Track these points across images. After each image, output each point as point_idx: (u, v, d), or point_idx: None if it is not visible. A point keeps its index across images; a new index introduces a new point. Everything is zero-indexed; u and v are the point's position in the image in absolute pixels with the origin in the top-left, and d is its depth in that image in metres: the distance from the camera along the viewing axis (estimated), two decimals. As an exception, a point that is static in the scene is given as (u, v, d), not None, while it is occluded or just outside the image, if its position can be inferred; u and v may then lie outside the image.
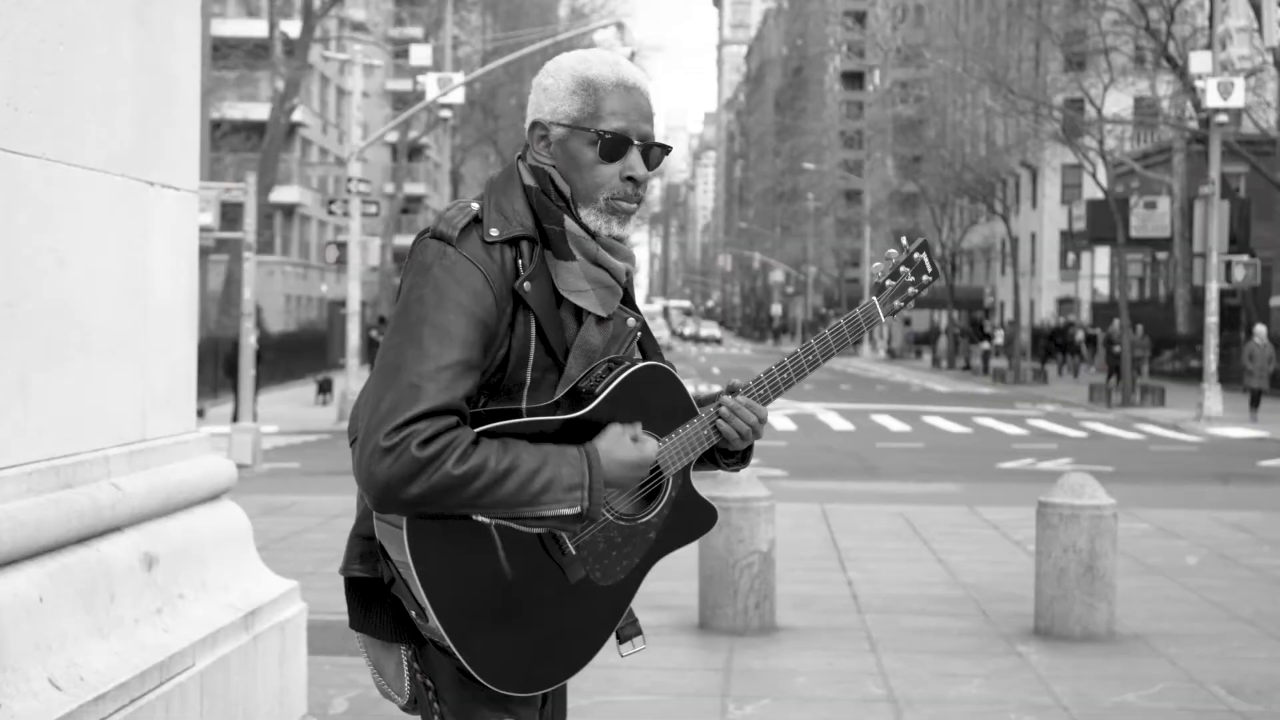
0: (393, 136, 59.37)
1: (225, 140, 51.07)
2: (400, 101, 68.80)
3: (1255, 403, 31.62)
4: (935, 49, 57.75)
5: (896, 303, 3.21)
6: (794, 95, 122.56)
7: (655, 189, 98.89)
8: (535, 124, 2.97)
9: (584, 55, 2.99)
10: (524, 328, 2.86)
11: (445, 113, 36.48)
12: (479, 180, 79.65)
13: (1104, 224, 46.34)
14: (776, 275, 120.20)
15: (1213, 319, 32.21)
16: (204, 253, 40.81)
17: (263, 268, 51.45)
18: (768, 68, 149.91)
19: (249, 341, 24.53)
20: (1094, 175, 42.38)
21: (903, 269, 3.22)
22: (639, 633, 3.11)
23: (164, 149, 5.26)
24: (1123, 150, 47.09)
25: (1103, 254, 58.49)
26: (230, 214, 26.96)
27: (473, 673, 2.84)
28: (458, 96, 34.93)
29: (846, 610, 9.68)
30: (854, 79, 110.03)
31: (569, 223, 2.92)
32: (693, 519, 3.08)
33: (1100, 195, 45.77)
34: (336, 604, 9.54)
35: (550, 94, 2.95)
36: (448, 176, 40.32)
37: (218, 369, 34.86)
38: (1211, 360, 31.93)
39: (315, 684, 6.84)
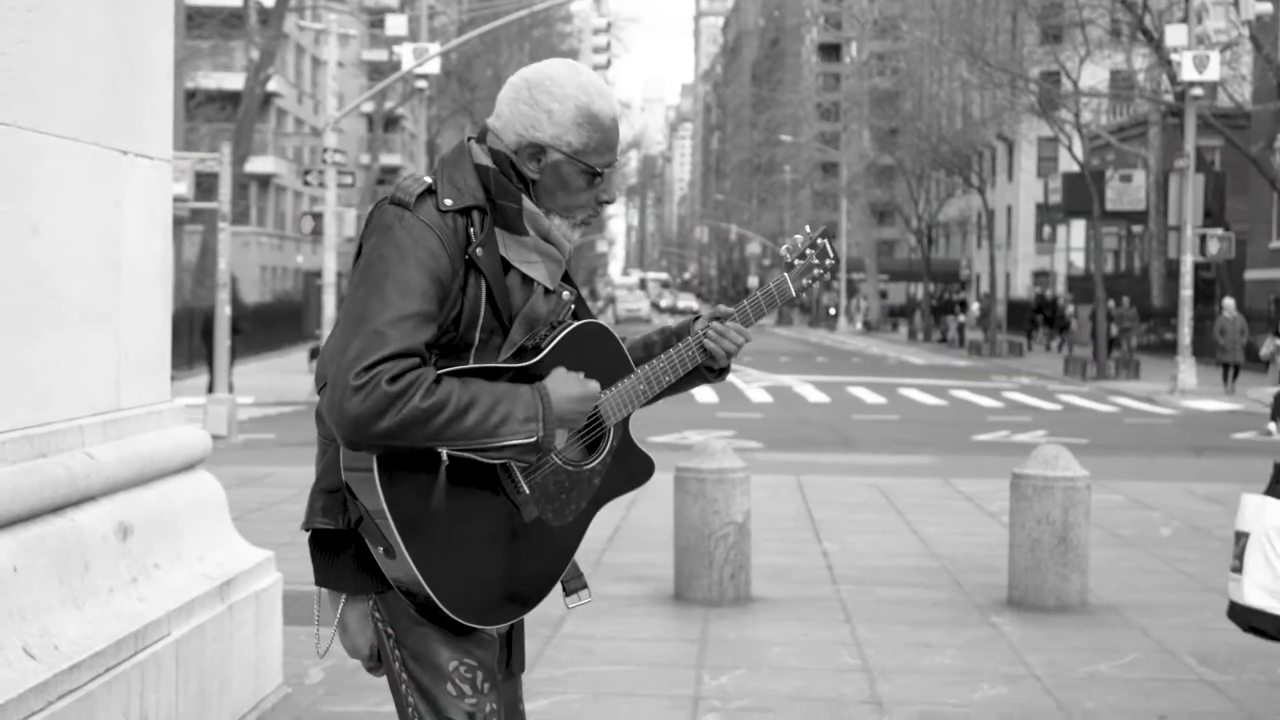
0: (368, 107, 59.14)
1: (200, 110, 50.78)
2: (376, 72, 68.47)
3: (1228, 376, 31.75)
4: (912, 21, 57.68)
5: (804, 280, 3.43)
6: (771, 67, 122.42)
7: (632, 161, 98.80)
8: (530, 144, 3.12)
9: (583, 84, 3.14)
10: (474, 290, 3.07)
11: (421, 83, 36.33)
12: (455, 151, 79.54)
13: (1079, 197, 46.45)
14: (753, 247, 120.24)
15: (1187, 292, 32.32)
16: (179, 223, 40.63)
17: (238, 238, 51.27)
18: (744, 39, 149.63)
19: (224, 312, 24.44)
20: (1070, 148, 42.46)
21: (808, 251, 3.44)
22: (584, 586, 3.36)
23: (137, 118, 5.23)
24: (1098, 123, 47.19)
25: (1078, 227, 58.59)
26: (205, 184, 26.87)
27: (439, 603, 3.01)
28: (434, 67, 34.79)
29: (821, 581, 9.71)
30: (831, 51, 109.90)
31: (526, 201, 3.14)
32: (633, 469, 3.33)
33: (1076, 168, 45.86)
34: (311, 574, 9.54)
35: (555, 120, 3.11)
36: (424, 147, 40.18)
37: (193, 340, 34.74)
38: (1186, 334, 32.05)
39: (291, 654, 6.84)
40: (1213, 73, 31.81)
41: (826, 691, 6.90)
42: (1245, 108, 40.64)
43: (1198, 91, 32.42)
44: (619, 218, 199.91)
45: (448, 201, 3.07)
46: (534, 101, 3.12)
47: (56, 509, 4.52)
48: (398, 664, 3.15)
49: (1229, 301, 33.13)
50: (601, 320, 3.29)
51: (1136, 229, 54.55)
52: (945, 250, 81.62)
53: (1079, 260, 61.60)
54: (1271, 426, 22.53)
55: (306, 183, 33.86)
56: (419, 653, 3.12)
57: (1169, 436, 22.64)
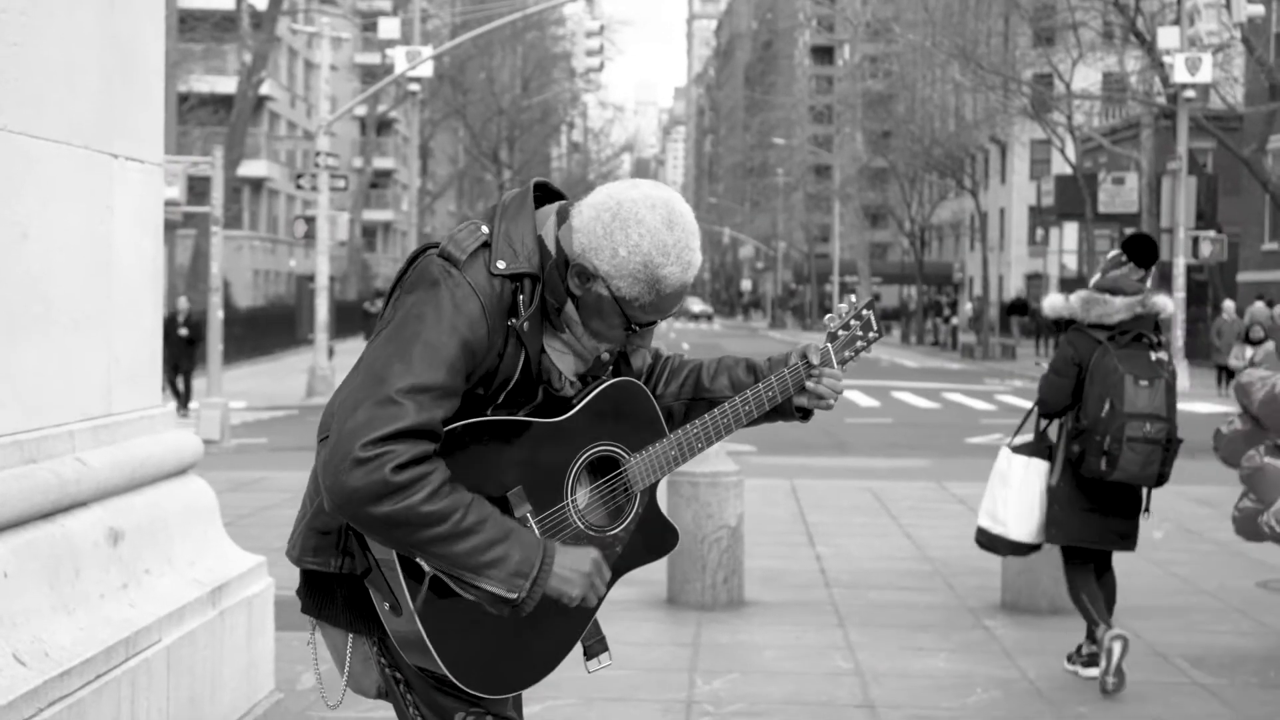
0: (361, 110, 59.09)
1: (192, 113, 50.77)
2: (369, 75, 68.45)
3: (1223, 379, 31.76)
4: (904, 24, 57.69)
5: (847, 353, 3.32)
6: (764, 70, 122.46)
7: (625, 163, 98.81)
8: (584, 266, 2.92)
9: (663, 243, 2.90)
10: (513, 357, 2.92)
11: (414, 86, 36.36)
12: (448, 155, 79.46)
13: (1072, 199, 46.48)
14: (746, 250, 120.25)
15: (1180, 295, 32.33)
16: (171, 227, 40.61)
17: (230, 242, 51.23)
18: (737, 42, 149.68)
19: (217, 316, 24.42)
20: (1062, 151, 42.52)
21: (853, 322, 3.33)
22: (605, 649, 3.21)
23: (128, 121, 5.22)
24: (1091, 126, 47.24)
25: (1071, 229, 58.62)
26: (197, 188, 26.83)
27: (445, 672, 2.88)
28: (426, 70, 34.78)
29: (814, 585, 9.70)
30: (824, 53, 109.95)
31: (569, 306, 2.96)
32: (657, 538, 3.21)
33: (1069, 171, 45.92)
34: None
35: (616, 263, 2.89)
36: (416, 150, 40.18)
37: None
38: (1178, 336, 32.08)
39: (283, 660, 6.82)
40: (1205, 75, 31.85)
41: (819, 695, 6.89)
42: (1237, 110, 40.71)
43: (1190, 94, 32.47)
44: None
45: (500, 264, 2.89)
46: (609, 232, 2.90)
47: (47, 515, 4.51)
48: (410, 707, 3.07)
49: (1229, 304, 33.15)
50: (636, 380, 3.15)
51: (1129, 231, 54.55)
52: (938, 253, 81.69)
53: (1072, 263, 61.62)
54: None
55: (299, 186, 33.81)
56: (427, 700, 3.04)
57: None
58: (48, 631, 4.33)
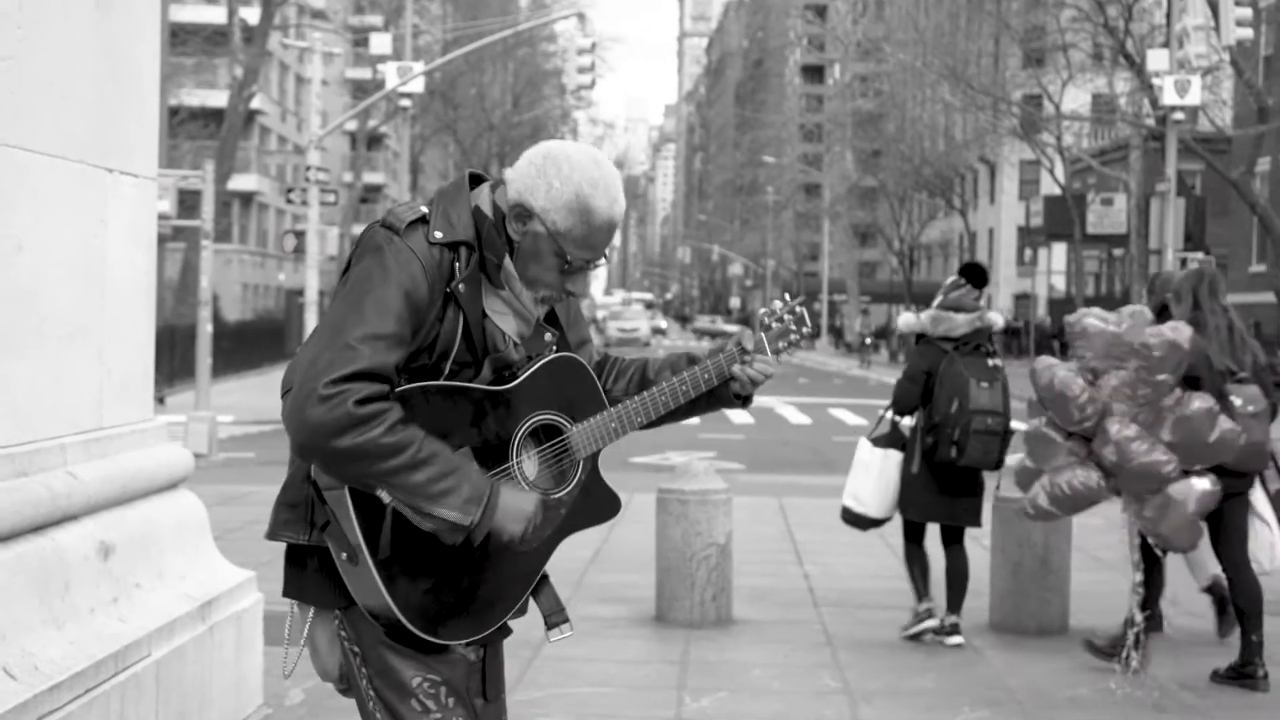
0: (352, 125, 59.09)
1: (183, 127, 50.70)
2: (360, 90, 68.45)
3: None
4: (895, 43, 57.91)
5: (780, 343, 3.47)
6: (754, 88, 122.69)
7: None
8: (521, 205, 3.17)
9: (593, 177, 3.16)
10: (452, 324, 3.13)
11: (405, 102, 36.40)
12: (439, 170, 79.42)
13: (1061, 220, 46.64)
14: (735, 268, 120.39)
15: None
16: (161, 240, 40.50)
17: (220, 256, 51.17)
18: (728, 60, 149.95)
19: (206, 330, 24.39)
20: (1051, 171, 42.66)
21: (786, 316, 3.49)
22: (566, 619, 3.38)
23: (123, 135, 5.23)
24: (1080, 147, 47.37)
25: (1059, 250, 58.76)
26: (187, 202, 26.83)
27: (396, 613, 3.04)
28: (417, 85, 34.83)
29: (803, 603, 9.71)
30: (814, 72, 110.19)
31: (506, 261, 3.20)
32: (599, 504, 3.36)
33: (1058, 191, 46.06)
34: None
35: (551, 195, 3.15)
36: (407, 166, 40.20)
37: (174, 358, 34.64)
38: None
39: (272, 674, 6.80)
40: (1194, 97, 31.94)
41: (807, 714, 6.89)
42: (1226, 132, 40.79)
43: (1179, 116, 32.55)
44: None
45: (438, 234, 3.13)
46: (542, 170, 3.17)
47: (37, 528, 4.50)
48: (364, 681, 3.20)
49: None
50: (578, 357, 3.34)
51: (1117, 252, 54.74)
52: (927, 272, 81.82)
53: (1060, 283, 61.76)
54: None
55: (289, 200, 33.83)
56: (384, 669, 3.17)
57: (1149, 460, 22.67)
58: (37, 645, 4.32)
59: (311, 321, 31.73)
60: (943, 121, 60.20)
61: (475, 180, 3.31)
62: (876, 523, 8.76)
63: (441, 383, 3.10)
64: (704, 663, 7.88)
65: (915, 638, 8.45)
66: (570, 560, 11.14)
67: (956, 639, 8.33)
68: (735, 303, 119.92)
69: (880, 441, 8.67)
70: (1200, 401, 7.14)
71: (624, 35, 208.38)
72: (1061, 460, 7.37)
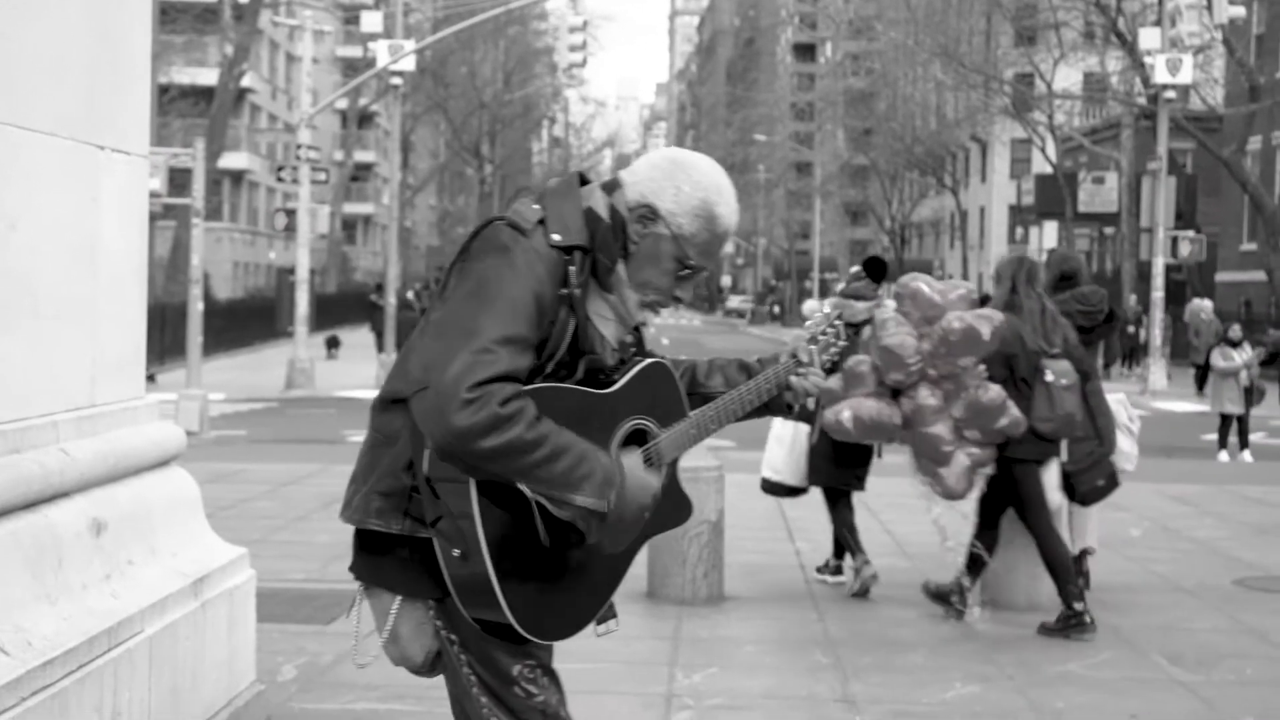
0: (343, 103, 59.02)
1: (173, 105, 50.59)
2: (350, 68, 68.34)
3: (1203, 378, 31.82)
4: (887, 21, 57.82)
5: (824, 358, 3.57)
6: (746, 67, 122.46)
7: (606, 159, 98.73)
8: (648, 206, 3.22)
9: (720, 186, 3.25)
10: (563, 326, 3.14)
11: (396, 80, 36.27)
12: (429, 148, 79.33)
13: (1052, 198, 46.63)
14: (726, 247, 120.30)
15: (1158, 294, 32.44)
16: (152, 218, 40.36)
17: (210, 234, 51.12)
18: (719, 39, 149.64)
19: (197, 308, 24.37)
20: (1043, 150, 42.64)
21: (829, 329, 3.60)
22: (614, 615, 3.46)
23: (115, 113, 5.22)
24: (1071, 125, 47.37)
25: (1051, 228, 58.74)
26: (178, 180, 26.73)
27: (508, 616, 3.08)
28: (409, 64, 34.73)
29: (794, 580, 9.74)
30: (806, 51, 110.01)
31: (620, 266, 3.23)
32: (675, 508, 3.45)
33: (1049, 170, 46.05)
34: (285, 571, 9.54)
35: (679, 199, 3.21)
36: (398, 144, 40.08)
37: (164, 335, 34.61)
38: (1157, 335, 32.19)
39: (264, 651, 6.82)
40: (1185, 76, 31.96)
41: (799, 690, 6.92)
42: (1217, 111, 40.84)
43: (1170, 94, 32.57)
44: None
45: (556, 237, 3.14)
46: (670, 174, 3.22)
47: (30, 505, 4.51)
48: (465, 669, 3.26)
49: (1207, 304, 33.23)
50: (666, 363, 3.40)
51: (1108, 231, 54.72)
52: (918, 251, 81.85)
53: (1051, 261, 61.76)
54: (1223, 455, 20.26)
55: (280, 179, 33.77)
56: (485, 658, 3.23)
57: (1140, 437, 22.69)
58: (30, 621, 4.33)
59: (303, 300, 31.71)
60: (934, 100, 60.14)
61: (581, 181, 3.31)
62: (794, 490, 9.68)
63: (556, 384, 3.13)
64: (696, 639, 7.90)
65: (862, 594, 9.15)
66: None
67: (839, 578, 9.55)
68: (726, 281, 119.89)
69: (798, 416, 9.13)
70: (995, 393, 8.04)
71: (615, 13, 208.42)
72: (870, 389, 8.23)
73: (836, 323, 3.59)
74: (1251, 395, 19.98)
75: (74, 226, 4.92)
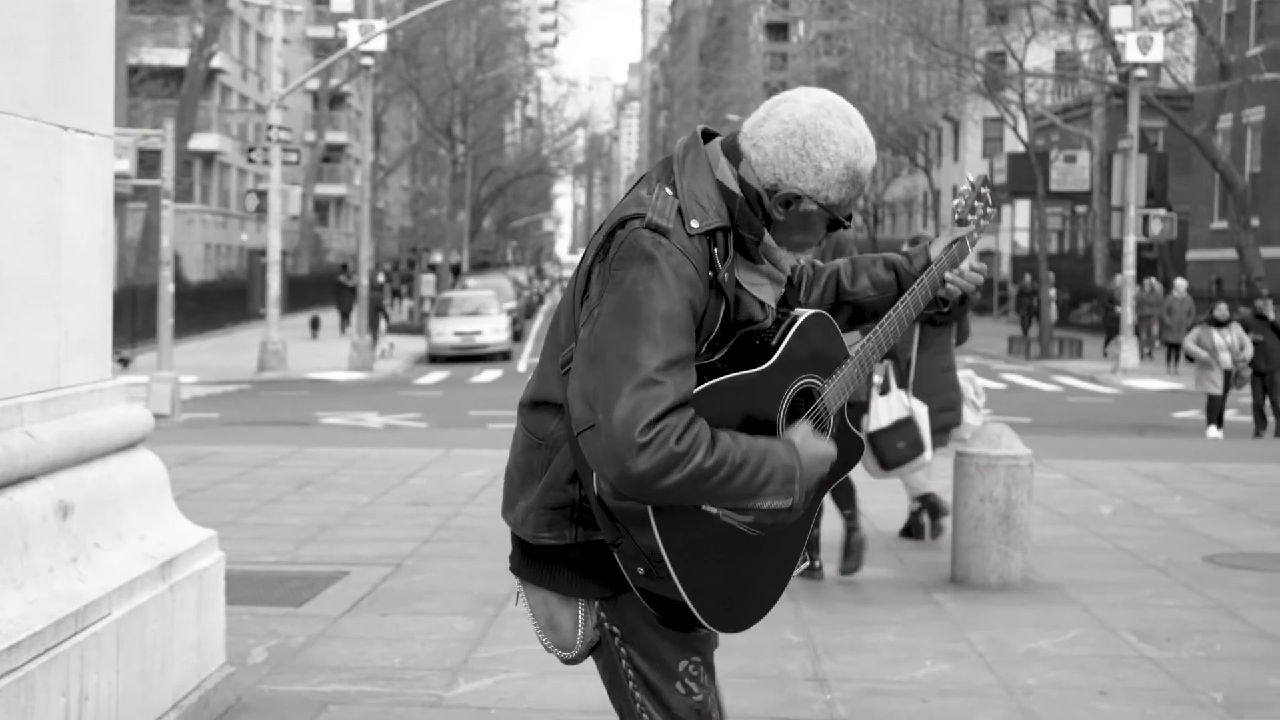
0: (314, 84, 58.74)
1: (143, 86, 50.35)
2: (321, 48, 68.04)
3: (1172, 356, 31.96)
4: (859, 1, 57.79)
5: (976, 235, 3.48)
6: (718, 46, 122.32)
7: (579, 139, 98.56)
8: (789, 193, 3.06)
9: (856, 140, 3.07)
10: (714, 310, 3.04)
11: (367, 60, 36.15)
12: (401, 129, 78.99)
13: (1024, 177, 46.71)
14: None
15: (1130, 272, 32.56)
16: (122, 200, 40.29)
17: (181, 216, 50.90)
18: (692, 18, 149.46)
19: (167, 290, 24.27)
20: (1015, 129, 42.67)
21: (976, 204, 3.49)
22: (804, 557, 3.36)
23: (78, 92, 5.18)
24: (1043, 104, 47.41)
25: (1023, 207, 58.96)
26: (148, 161, 26.60)
27: (704, 623, 3.05)
28: (380, 44, 34.61)
29: (766, 559, 9.74)
30: (778, 30, 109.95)
31: (766, 236, 3.10)
32: (848, 450, 3.31)
33: (1021, 149, 46.10)
34: (255, 553, 9.51)
35: (822, 177, 3.05)
36: (369, 125, 39.93)
37: (135, 318, 34.48)
38: (1128, 313, 32.30)
39: (234, 633, 6.82)
40: (1156, 54, 32.03)
41: (770, 669, 6.93)
42: (1188, 89, 40.94)
43: (1141, 73, 32.64)
44: (565, 196, 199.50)
45: (694, 224, 3.00)
46: (805, 153, 3.04)
47: (-5, 488, 4.48)
48: (624, 661, 3.21)
49: (1180, 282, 33.36)
50: (823, 310, 3.29)
51: (1080, 209, 54.95)
52: (891, 230, 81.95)
53: (1024, 240, 61.99)
54: (1211, 431, 20.26)
55: (251, 160, 33.64)
56: (649, 652, 3.18)
57: (1111, 415, 22.83)
58: (-4, 605, 4.30)
59: (275, 281, 31.60)
60: (906, 79, 60.17)
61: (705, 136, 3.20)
62: None
63: (709, 383, 3.00)
64: (667, 619, 7.89)
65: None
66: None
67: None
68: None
69: None
70: None
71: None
72: None
73: (984, 190, 3.43)
74: (1231, 378, 19.83)
75: (36, 207, 4.88)
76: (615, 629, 3.19)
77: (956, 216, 3.42)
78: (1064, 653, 7.29)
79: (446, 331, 37.56)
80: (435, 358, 37.35)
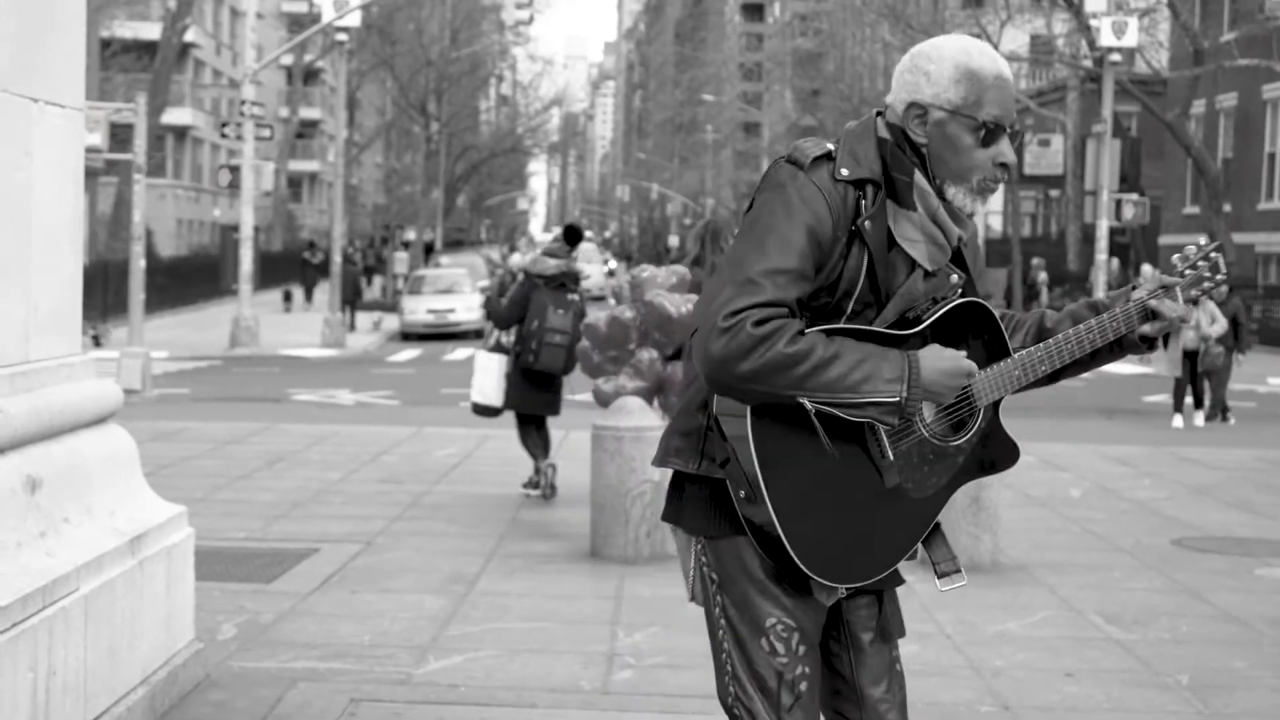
0: (288, 59, 58.49)
1: (115, 60, 50.03)
2: (296, 24, 67.66)
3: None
4: (835, -18, 57.81)
5: (1193, 291, 3.34)
6: (694, 26, 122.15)
7: (554, 117, 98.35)
8: (914, 104, 3.16)
9: (963, 45, 3.17)
10: (856, 261, 3.09)
11: (341, 36, 36.01)
12: (375, 106, 78.75)
13: (998, 160, 46.61)
14: (674, 206, 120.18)
15: (1102, 256, 32.66)
16: (93, 175, 40.05)
17: (153, 190, 50.60)
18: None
19: (139, 265, 24.15)
20: (989, 112, 42.64)
21: (1200, 263, 3.35)
22: (959, 570, 3.34)
23: (47, 65, 5.15)
24: (1018, 88, 47.45)
25: (997, 190, 59.02)
26: (120, 135, 26.50)
27: (790, 549, 3.03)
28: (354, 20, 34.48)
29: (737, 539, 9.75)
30: (754, 11, 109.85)
31: (918, 176, 3.14)
32: (997, 453, 3.32)
33: (995, 132, 46.01)
34: (225, 530, 9.49)
35: (933, 79, 3.14)
36: (343, 101, 39.79)
37: (107, 293, 34.33)
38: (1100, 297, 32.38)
39: (203, 609, 6.80)
40: (1131, 39, 32.09)
41: (740, 649, 6.93)
42: (1162, 74, 41.03)
43: (1116, 57, 32.71)
44: (540, 175, 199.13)
45: (844, 171, 3.10)
46: (914, 68, 3.17)
47: (-37, 462, 4.46)
48: (718, 609, 3.22)
49: (1146, 268, 33.44)
50: (984, 302, 3.24)
51: (1054, 193, 55.06)
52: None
53: (997, 223, 62.11)
54: (1176, 420, 19.25)
55: (224, 135, 33.51)
56: (741, 603, 3.18)
57: (1081, 399, 22.91)
58: (-37, 579, 4.29)
59: (248, 257, 31.48)
60: (882, 61, 60.10)
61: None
62: (497, 411, 11.38)
63: (846, 325, 3.06)
64: (637, 598, 7.92)
65: (551, 493, 11.09)
66: (505, 497, 11.16)
67: (535, 491, 11.19)
68: (674, 240, 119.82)
69: (494, 350, 11.40)
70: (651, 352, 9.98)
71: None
72: (624, 373, 10.05)
73: (1213, 255, 3.35)
74: (1196, 359, 18.74)
75: (5, 180, 4.85)
76: (714, 575, 3.21)
77: (1177, 269, 3.35)
78: (1032, 634, 7.33)
79: (419, 309, 37.50)
80: (408, 335, 37.30)
